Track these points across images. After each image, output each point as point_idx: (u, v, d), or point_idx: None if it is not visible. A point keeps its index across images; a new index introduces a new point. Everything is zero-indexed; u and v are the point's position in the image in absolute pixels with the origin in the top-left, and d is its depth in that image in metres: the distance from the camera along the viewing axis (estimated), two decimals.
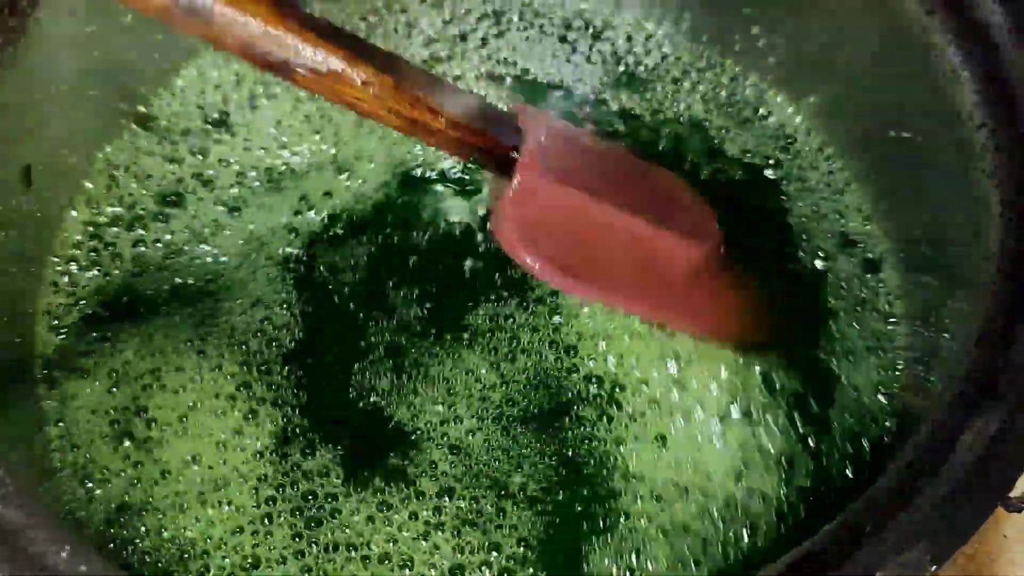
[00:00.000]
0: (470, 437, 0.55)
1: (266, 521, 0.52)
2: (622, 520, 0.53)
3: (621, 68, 0.69)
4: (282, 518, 0.52)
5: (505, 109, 0.53)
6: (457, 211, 0.64)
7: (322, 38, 0.43)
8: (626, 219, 0.52)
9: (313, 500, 0.53)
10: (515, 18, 0.70)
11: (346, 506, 0.53)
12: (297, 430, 0.55)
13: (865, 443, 0.55)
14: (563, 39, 0.70)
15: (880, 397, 0.57)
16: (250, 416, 0.55)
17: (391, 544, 0.52)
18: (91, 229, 0.61)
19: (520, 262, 0.52)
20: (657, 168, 0.59)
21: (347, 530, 0.52)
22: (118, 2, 0.43)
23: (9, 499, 0.41)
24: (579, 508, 0.53)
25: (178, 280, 0.60)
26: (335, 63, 0.43)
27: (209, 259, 0.61)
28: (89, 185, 0.63)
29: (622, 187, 0.54)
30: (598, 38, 0.70)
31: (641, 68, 0.69)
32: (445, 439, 0.55)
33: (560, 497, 0.54)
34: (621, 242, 0.53)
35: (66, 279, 0.59)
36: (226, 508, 0.52)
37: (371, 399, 0.56)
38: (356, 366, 0.57)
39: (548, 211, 0.50)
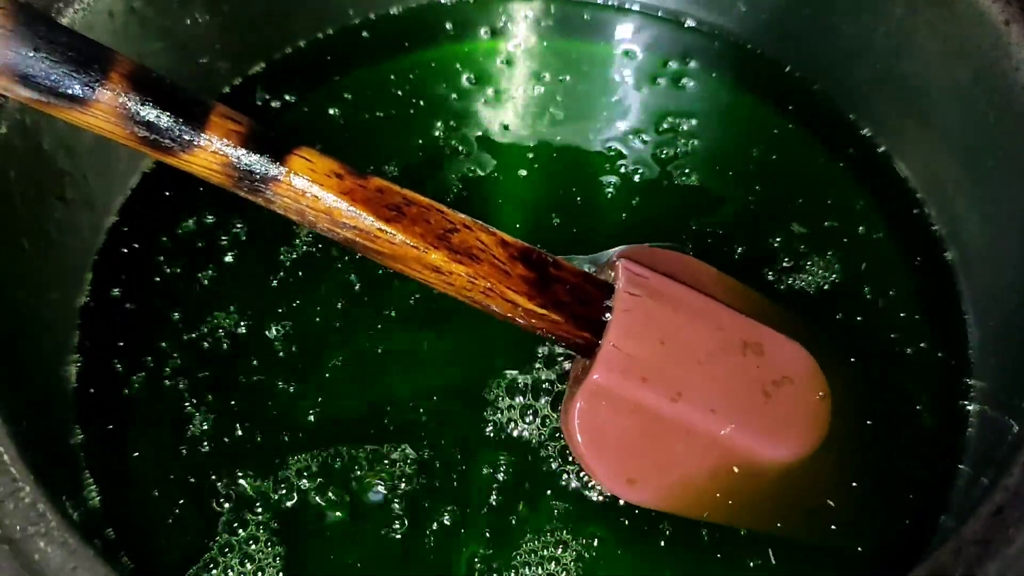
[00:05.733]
0: None
1: None
2: None
3: None
4: None
5: (606, 262, 0.52)
6: None
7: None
8: (707, 424, 0.48)
9: None
10: None
11: None
12: None
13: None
14: None
15: None
16: None
17: None
18: None
19: (581, 463, 0.50)
20: (763, 325, 0.52)
21: None
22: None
23: (51, 537, 0.39)
24: None
25: None
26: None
27: None
28: None
29: (713, 366, 0.49)
30: None
31: None
32: None
33: None
34: (700, 447, 0.49)
35: None
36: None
37: None
38: None
39: (622, 413, 0.48)
